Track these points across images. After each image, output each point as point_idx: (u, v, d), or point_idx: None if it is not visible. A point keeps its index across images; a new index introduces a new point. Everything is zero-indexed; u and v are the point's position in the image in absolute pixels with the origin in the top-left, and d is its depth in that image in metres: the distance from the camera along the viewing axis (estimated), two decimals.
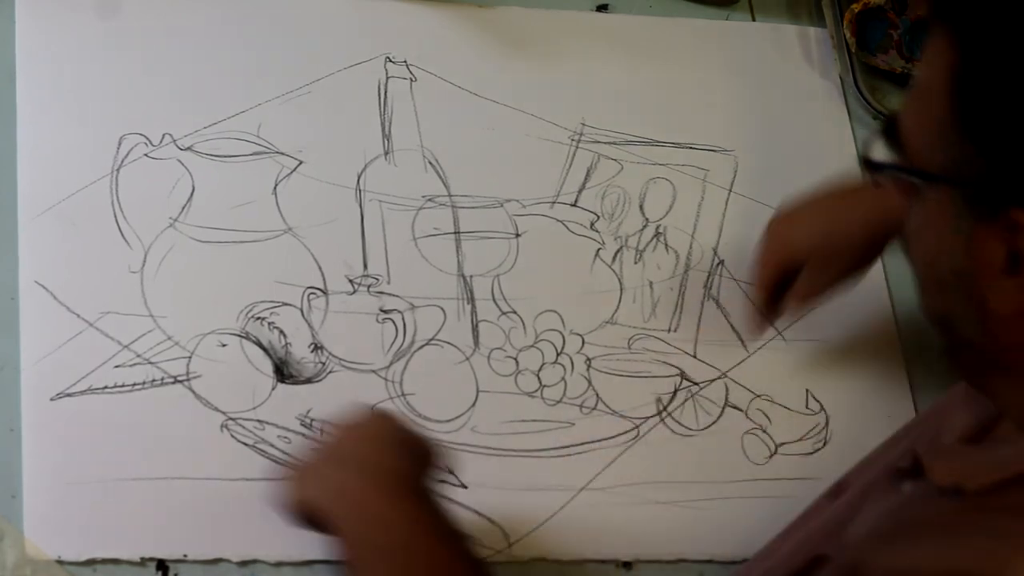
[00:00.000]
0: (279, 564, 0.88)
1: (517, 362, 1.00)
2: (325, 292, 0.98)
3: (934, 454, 0.74)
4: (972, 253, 0.61)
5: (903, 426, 0.93)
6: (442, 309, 1.00)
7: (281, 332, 0.96)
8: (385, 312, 0.99)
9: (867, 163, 0.67)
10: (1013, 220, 0.59)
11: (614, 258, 1.06)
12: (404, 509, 0.75)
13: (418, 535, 0.74)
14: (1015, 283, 0.60)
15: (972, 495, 0.68)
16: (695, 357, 1.04)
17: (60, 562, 0.85)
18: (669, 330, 1.05)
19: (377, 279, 1.00)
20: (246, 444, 0.91)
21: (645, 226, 1.08)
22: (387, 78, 1.08)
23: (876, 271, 1.10)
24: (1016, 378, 0.66)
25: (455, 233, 1.03)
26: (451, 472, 0.94)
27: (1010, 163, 0.59)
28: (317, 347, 0.96)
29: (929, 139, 0.62)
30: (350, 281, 0.99)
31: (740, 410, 1.02)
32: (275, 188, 1.01)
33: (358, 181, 1.03)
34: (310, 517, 0.77)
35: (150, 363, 0.92)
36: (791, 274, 0.99)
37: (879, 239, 0.98)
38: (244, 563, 0.88)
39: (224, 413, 0.92)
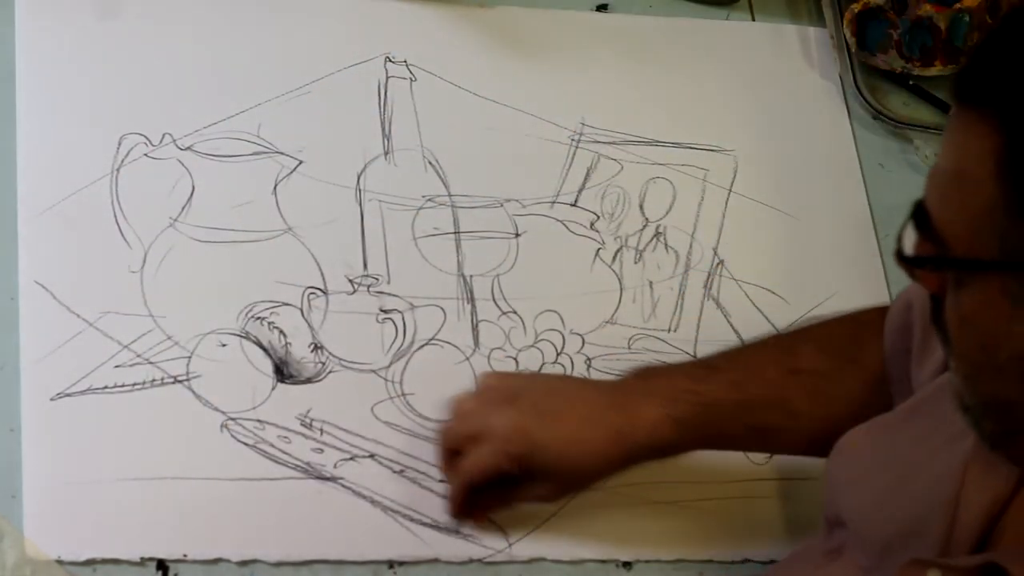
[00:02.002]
0: (279, 564, 0.88)
1: (517, 362, 1.00)
2: (325, 292, 0.98)
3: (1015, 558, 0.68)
4: None
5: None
6: (442, 309, 1.00)
7: (281, 332, 0.96)
8: (385, 312, 0.99)
9: (904, 259, 0.66)
10: None
11: (614, 258, 1.06)
12: None
13: None
14: None
15: None
16: (695, 357, 1.04)
17: (60, 562, 0.85)
18: (669, 330, 1.05)
19: (377, 279, 1.00)
20: (246, 444, 0.91)
21: (645, 226, 1.08)
22: (387, 78, 1.08)
23: (876, 271, 1.10)
24: None
25: (455, 233, 1.03)
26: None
27: None
28: (317, 347, 0.96)
29: (974, 226, 0.61)
30: (350, 281, 0.99)
31: None
32: (275, 188, 1.01)
33: (358, 181, 1.03)
34: None
35: (150, 363, 0.92)
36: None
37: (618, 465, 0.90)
38: (244, 563, 0.88)
39: (224, 413, 0.92)
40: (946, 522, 0.73)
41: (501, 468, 0.87)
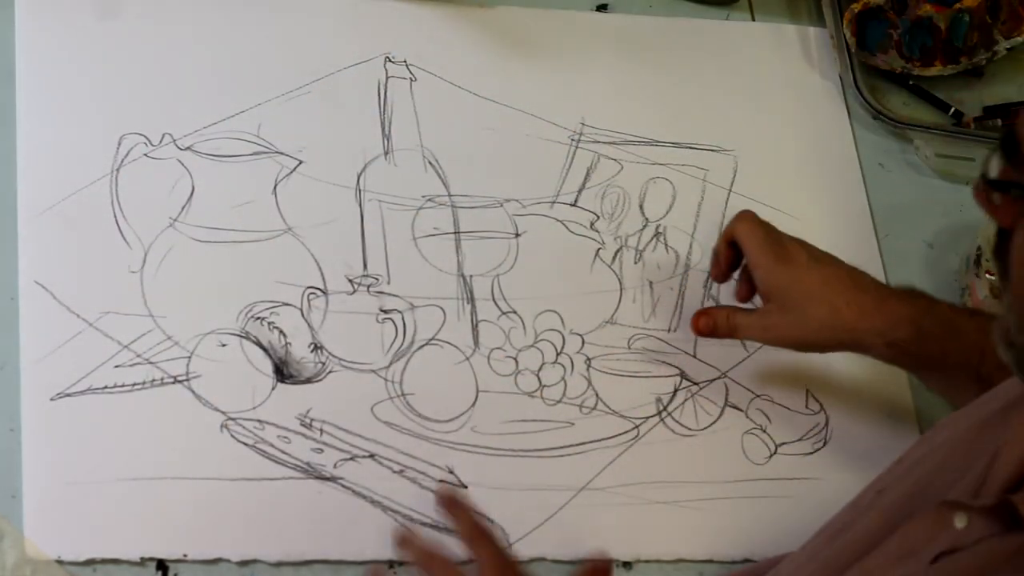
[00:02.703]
0: (279, 564, 0.88)
1: (517, 362, 1.00)
2: (325, 292, 0.98)
3: None
4: None
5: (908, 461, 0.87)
6: (442, 309, 1.00)
7: (281, 332, 0.96)
8: (385, 312, 0.99)
9: (988, 182, 0.65)
10: None
11: (614, 258, 1.06)
12: None
13: None
14: None
15: None
16: (695, 357, 1.04)
17: (60, 562, 0.85)
18: (669, 330, 1.05)
19: (377, 279, 1.00)
20: (246, 444, 0.91)
21: (645, 226, 1.09)
22: (387, 78, 1.08)
23: (876, 270, 1.10)
24: None
25: (455, 233, 1.03)
26: (451, 472, 0.94)
27: None
28: (317, 347, 0.96)
29: None
30: (350, 281, 0.99)
31: (740, 410, 1.02)
32: (275, 188, 1.01)
33: (358, 181, 1.03)
34: None
35: (150, 363, 0.92)
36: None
37: (836, 346, 0.95)
38: (244, 563, 0.88)
39: (224, 413, 0.92)
40: (983, 471, 0.74)
41: None
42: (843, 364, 1.05)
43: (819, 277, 0.94)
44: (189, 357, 0.93)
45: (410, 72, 1.09)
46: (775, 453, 1.01)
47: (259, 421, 0.92)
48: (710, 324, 0.98)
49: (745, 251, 0.97)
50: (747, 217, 0.97)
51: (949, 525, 0.73)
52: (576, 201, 1.08)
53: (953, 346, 0.92)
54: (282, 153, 1.03)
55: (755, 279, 0.97)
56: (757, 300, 0.99)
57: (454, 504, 0.90)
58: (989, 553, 0.71)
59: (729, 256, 0.99)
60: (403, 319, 0.99)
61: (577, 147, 1.10)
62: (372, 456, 0.93)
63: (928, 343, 0.92)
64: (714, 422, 1.02)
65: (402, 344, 0.98)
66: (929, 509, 0.75)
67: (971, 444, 0.78)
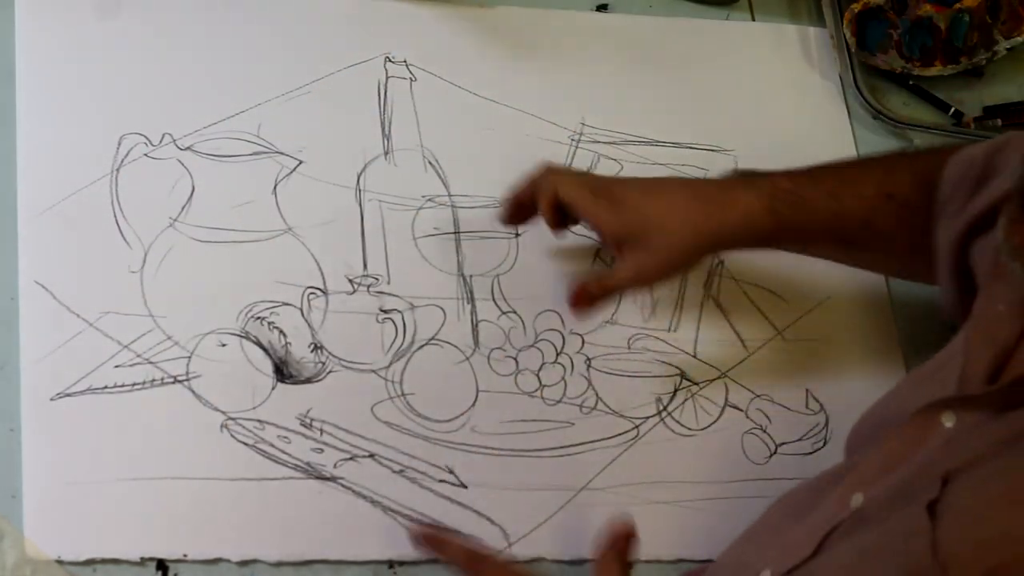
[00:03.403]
0: (279, 564, 0.89)
1: (517, 362, 1.00)
2: (325, 292, 0.98)
3: None
4: None
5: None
6: (442, 309, 1.00)
7: (281, 332, 0.96)
8: (385, 312, 0.99)
9: None
10: None
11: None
12: None
13: None
14: None
15: None
16: (695, 357, 1.04)
17: (60, 562, 0.85)
18: (669, 330, 1.05)
19: (377, 279, 1.00)
20: (246, 444, 0.91)
21: None
22: (387, 78, 1.08)
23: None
24: None
25: (455, 233, 1.03)
26: (451, 472, 0.94)
27: None
28: (317, 347, 0.96)
29: None
30: (350, 281, 0.99)
31: (740, 410, 1.02)
32: (275, 188, 1.01)
33: (358, 181, 1.03)
34: None
35: (150, 363, 0.92)
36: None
37: (708, 251, 0.97)
38: (244, 563, 0.88)
39: (224, 413, 0.92)
40: (957, 373, 0.77)
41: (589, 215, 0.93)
42: (843, 364, 1.05)
43: (657, 206, 0.94)
44: (189, 357, 0.93)
45: (410, 72, 1.09)
46: (775, 453, 1.01)
47: (259, 421, 0.92)
48: (585, 297, 0.96)
49: (578, 213, 0.95)
50: (563, 178, 0.96)
51: (937, 425, 0.74)
52: None
53: (806, 218, 0.94)
54: (282, 153, 1.03)
55: (600, 235, 0.96)
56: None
57: (436, 541, 0.89)
58: (982, 441, 0.72)
59: (556, 218, 0.97)
60: (403, 319, 0.99)
61: (577, 147, 1.10)
62: (372, 456, 0.93)
63: (784, 220, 0.94)
64: (714, 422, 1.02)
65: (402, 344, 0.98)
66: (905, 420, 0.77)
67: (926, 385, 0.80)
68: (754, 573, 0.83)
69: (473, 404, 0.97)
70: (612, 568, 0.85)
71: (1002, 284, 0.79)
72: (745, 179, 0.97)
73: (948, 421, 0.74)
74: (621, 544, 0.86)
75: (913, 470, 0.74)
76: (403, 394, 0.96)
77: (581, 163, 1.09)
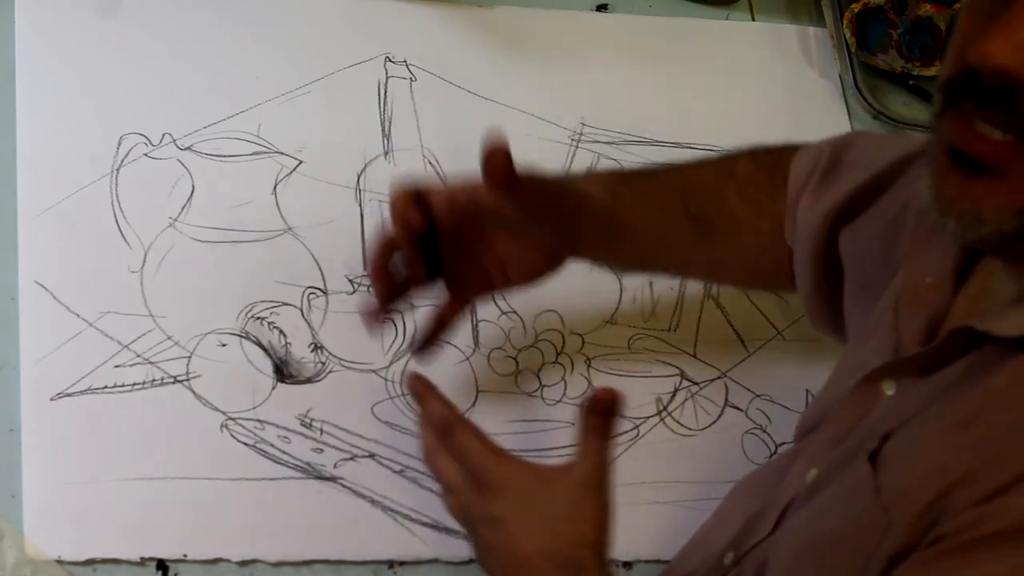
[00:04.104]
0: (279, 564, 0.88)
1: (517, 362, 1.00)
2: (325, 292, 0.98)
3: (987, 320, 0.69)
4: None
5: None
6: None
7: (281, 332, 0.96)
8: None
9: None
10: None
11: None
12: None
13: None
14: None
15: None
16: (695, 357, 1.04)
17: (60, 562, 0.85)
18: (669, 330, 1.05)
19: None
20: (246, 444, 0.91)
21: None
22: (387, 78, 1.08)
23: None
24: None
25: None
26: None
27: None
28: (317, 347, 0.96)
29: None
30: (350, 281, 0.99)
31: (740, 410, 1.02)
32: (275, 188, 1.01)
33: (358, 181, 1.03)
34: None
35: (150, 363, 0.92)
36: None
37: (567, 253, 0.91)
38: (244, 563, 0.88)
39: (224, 413, 0.92)
40: (891, 343, 0.76)
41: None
42: None
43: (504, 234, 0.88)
44: (189, 357, 0.93)
45: (410, 72, 1.09)
46: (775, 453, 1.01)
47: (259, 421, 0.92)
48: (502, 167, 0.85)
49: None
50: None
51: (879, 395, 0.75)
52: None
53: (647, 189, 0.92)
54: (282, 153, 1.03)
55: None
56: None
57: (421, 392, 0.85)
58: (920, 400, 0.72)
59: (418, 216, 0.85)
60: (403, 319, 0.99)
61: (577, 147, 1.10)
62: (372, 456, 0.93)
63: (621, 196, 0.90)
64: (714, 422, 1.02)
65: (402, 344, 0.98)
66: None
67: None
68: (717, 554, 0.84)
69: (473, 404, 0.97)
70: (590, 441, 0.80)
71: (928, 254, 0.77)
72: (583, 177, 0.93)
73: (889, 389, 0.74)
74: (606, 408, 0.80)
75: (858, 437, 0.75)
76: (403, 394, 0.96)
77: (581, 163, 1.09)
